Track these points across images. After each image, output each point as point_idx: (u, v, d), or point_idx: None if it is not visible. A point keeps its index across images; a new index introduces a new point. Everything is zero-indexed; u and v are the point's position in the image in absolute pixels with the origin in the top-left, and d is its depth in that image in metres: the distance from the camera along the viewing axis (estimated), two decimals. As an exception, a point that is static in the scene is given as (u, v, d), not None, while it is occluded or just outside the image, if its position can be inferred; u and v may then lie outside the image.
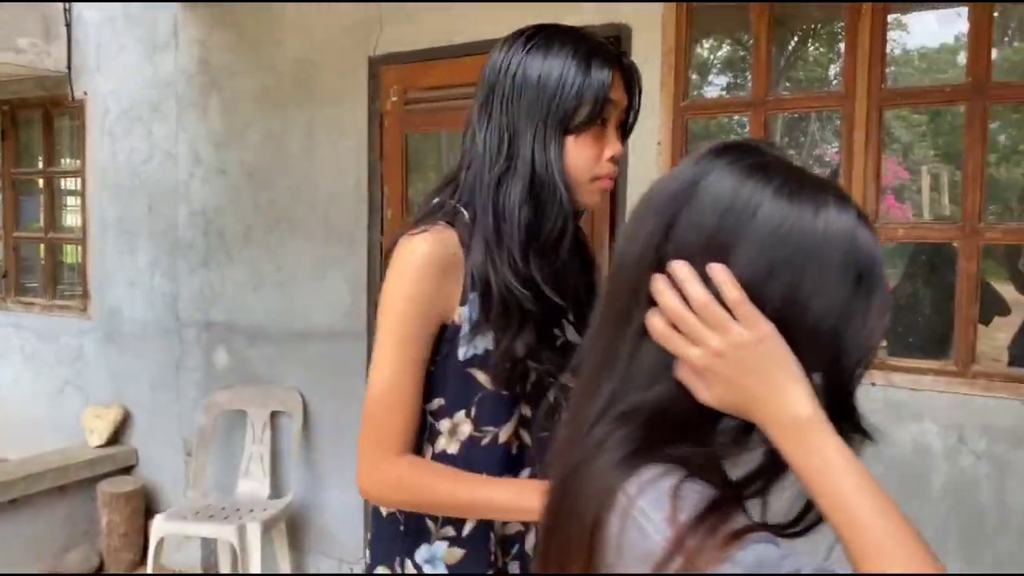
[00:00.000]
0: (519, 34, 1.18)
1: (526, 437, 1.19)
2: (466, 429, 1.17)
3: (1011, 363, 2.79)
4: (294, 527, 3.37)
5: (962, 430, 2.15)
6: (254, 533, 3.03)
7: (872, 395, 2.24)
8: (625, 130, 1.20)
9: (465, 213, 1.14)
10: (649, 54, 2.53)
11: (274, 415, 3.41)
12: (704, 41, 3.66)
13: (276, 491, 3.37)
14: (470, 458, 1.16)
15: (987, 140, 2.17)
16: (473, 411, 1.16)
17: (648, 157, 2.55)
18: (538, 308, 1.12)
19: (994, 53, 2.19)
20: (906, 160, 8.56)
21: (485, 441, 1.17)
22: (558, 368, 1.15)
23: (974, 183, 2.16)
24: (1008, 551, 2.11)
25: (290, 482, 3.34)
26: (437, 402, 1.17)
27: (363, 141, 3.15)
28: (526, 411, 1.18)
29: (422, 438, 1.18)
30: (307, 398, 3.33)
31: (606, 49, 1.14)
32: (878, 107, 2.23)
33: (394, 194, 3.10)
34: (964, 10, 2.28)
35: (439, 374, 1.15)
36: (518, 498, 1.10)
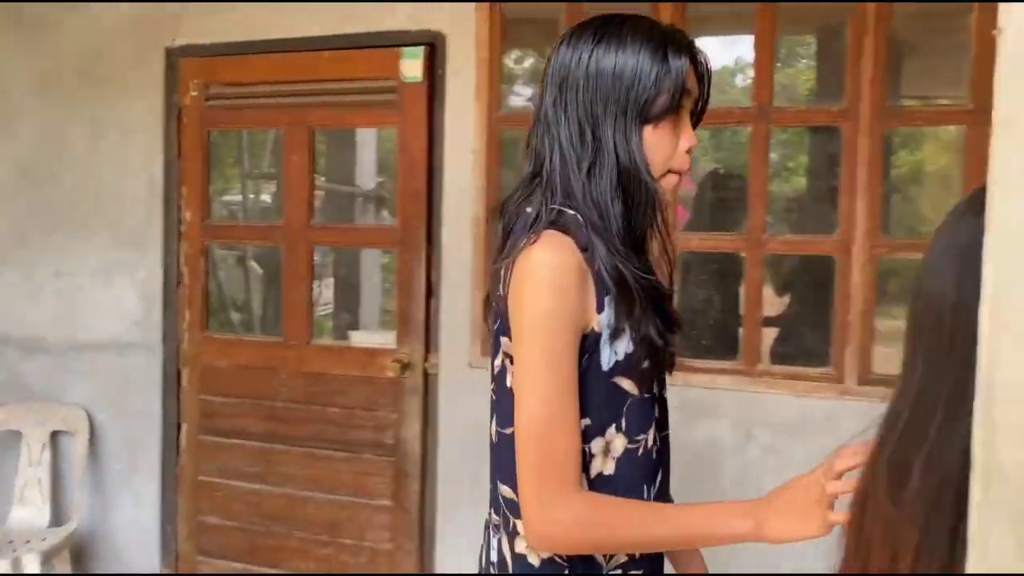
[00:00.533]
0: (585, 26, 1.12)
1: (656, 438, 1.15)
2: (620, 444, 1.10)
3: (774, 362, 3.05)
4: (81, 556, 3.07)
5: (750, 425, 2.35)
6: (31, 565, 2.74)
7: (673, 394, 2.39)
8: (695, 122, 1.16)
9: (571, 213, 1.07)
10: (463, 64, 2.56)
11: (54, 435, 3.09)
12: (511, 53, 3.76)
13: (57, 518, 3.06)
14: (625, 474, 1.10)
15: (768, 159, 2.39)
16: (623, 423, 1.09)
17: (464, 166, 2.57)
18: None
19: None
20: (690, 173, 9.26)
21: (639, 452, 1.11)
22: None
23: (758, 198, 2.36)
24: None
25: (74, 508, 3.04)
26: (583, 422, 1.07)
27: (158, 137, 2.93)
28: (655, 411, 1.15)
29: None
30: (93, 415, 3.06)
31: (680, 37, 1.11)
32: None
33: (194, 194, 2.92)
34: (744, 37, 2.49)
35: (581, 391, 1.05)
36: (717, 524, 1.02)
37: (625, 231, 1.08)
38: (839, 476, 0.97)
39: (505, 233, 1.13)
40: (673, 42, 1.09)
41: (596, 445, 1.08)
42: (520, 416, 1.03)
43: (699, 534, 1.04)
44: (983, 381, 0.52)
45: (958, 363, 0.65)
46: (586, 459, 1.08)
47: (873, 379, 2.25)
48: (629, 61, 1.07)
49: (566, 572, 1.09)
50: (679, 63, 1.08)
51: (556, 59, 1.13)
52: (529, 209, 1.10)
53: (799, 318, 2.98)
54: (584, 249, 1.04)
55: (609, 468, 1.09)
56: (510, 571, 1.13)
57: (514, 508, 1.09)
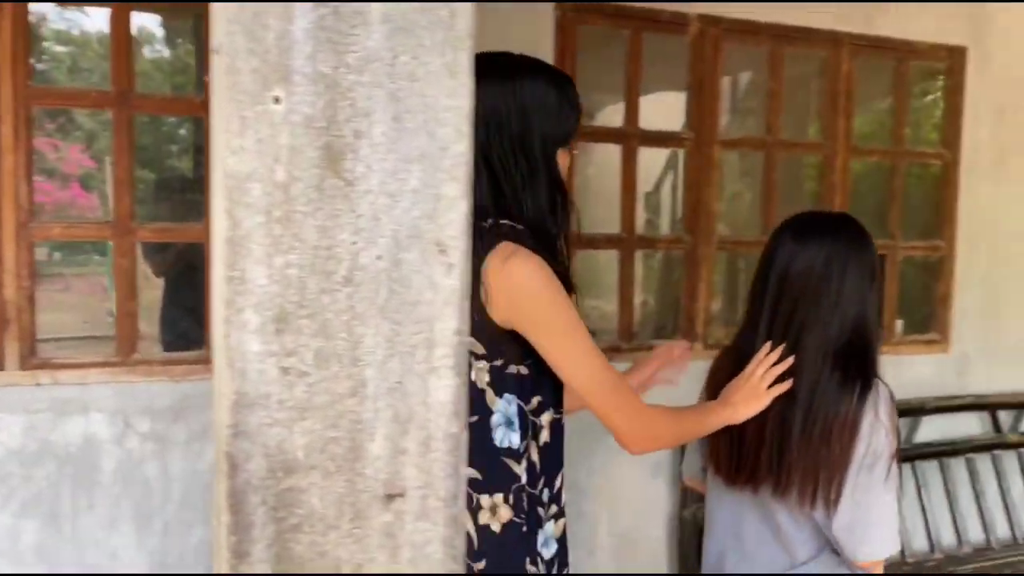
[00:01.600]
0: (490, 64, 1.27)
1: None
2: (550, 416, 1.37)
3: (167, 349, 3.06)
4: None
5: (128, 415, 2.31)
6: None
7: (38, 395, 2.22)
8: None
9: (518, 227, 1.29)
10: None
11: None
12: None
13: None
14: (554, 441, 1.39)
15: (134, 145, 2.35)
16: (554, 399, 1.38)
17: None
18: None
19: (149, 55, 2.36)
20: (91, 149, 8.41)
21: (561, 422, 1.40)
22: None
23: (124, 185, 2.32)
24: (176, 516, 2.37)
25: None
26: (536, 400, 1.33)
27: None
28: None
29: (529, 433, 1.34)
30: None
31: (563, 72, 1.43)
32: (25, 104, 2.19)
33: None
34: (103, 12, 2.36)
35: (535, 375, 1.32)
36: (716, 418, 1.44)
37: (554, 237, 1.34)
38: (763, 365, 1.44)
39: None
40: (564, 76, 1.38)
41: (544, 419, 1.35)
42: (590, 381, 1.28)
43: (708, 425, 1.44)
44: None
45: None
46: (536, 429, 1.34)
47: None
48: (549, 96, 1.32)
49: (524, 529, 1.32)
50: (575, 93, 1.36)
51: (481, 95, 1.15)
52: (502, 222, 1.29)
53: (177, 303, 3.01)
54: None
55: (546, 437, 1.36)
56: (476, 546, 1.30)
57: (476, 485, 1.29)
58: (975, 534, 3.27)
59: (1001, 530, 3.31)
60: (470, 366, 1.27)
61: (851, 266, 1.50)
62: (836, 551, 1.50)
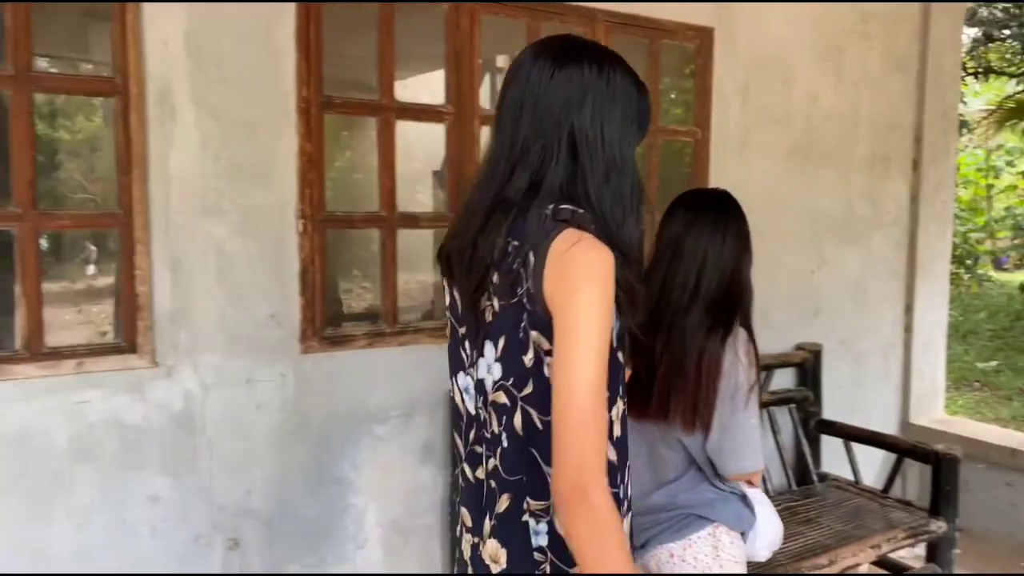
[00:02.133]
0: (567, 47, 1.29)
1: None
2: (621, 408, 1.31)
3: None
4: None
5: None
6: None
7: None
8: None
9: (582, 212, 1.23)
10: None
11: None
12: None
13: None
14: (624, 435, 1.32)
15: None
16: (621, 390, 1.30)
17: None
18: None
19: None
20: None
21: (626, 413, 1.35)
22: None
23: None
24: None
25: None
26: (605, 394, 1.21)
27: None
28: None
29: None
30: None
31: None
32: None
33: None
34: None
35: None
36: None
37: (630, 237, 1.26)
38: None
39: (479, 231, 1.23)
40: (638, 76, 1.32)
41: (613, 412, 1.27)
42: (566, 400, 1.11)
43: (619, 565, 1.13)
44: None
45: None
46: (609, 425, 1.22)
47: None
48: (632, 91, 1.29)
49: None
50: (648, 95, 1.34)
51: (563, 74, 1.25)
52: (564, 207, 1.22)
53: None
54: None
55: (619, 430, 1.29)
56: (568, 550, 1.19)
57: None
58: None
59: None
60: (541, 361, 1.21)
61: (730, 233, 1.89)
62: (701, 470, 1.83)
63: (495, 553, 1.28)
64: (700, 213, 1.92)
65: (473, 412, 1.33)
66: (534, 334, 1.20)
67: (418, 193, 7.73)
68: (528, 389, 1.22)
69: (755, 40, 3.47)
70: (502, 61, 5.34)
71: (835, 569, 2.89)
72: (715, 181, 3.41)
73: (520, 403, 1.23)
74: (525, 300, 1.19)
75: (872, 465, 3.79)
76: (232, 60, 2.39)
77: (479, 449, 1.32)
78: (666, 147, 3.60)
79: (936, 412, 4.19)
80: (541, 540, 1.24)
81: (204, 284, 2.40)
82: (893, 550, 3.03)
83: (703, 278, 1.84)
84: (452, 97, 2.75)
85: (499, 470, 1.26)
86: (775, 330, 3.67)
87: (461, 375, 1.35)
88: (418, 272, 5.88)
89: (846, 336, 3.90)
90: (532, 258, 1.18)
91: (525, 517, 1.25)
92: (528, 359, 1.21)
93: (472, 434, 1.34)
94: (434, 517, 2.87)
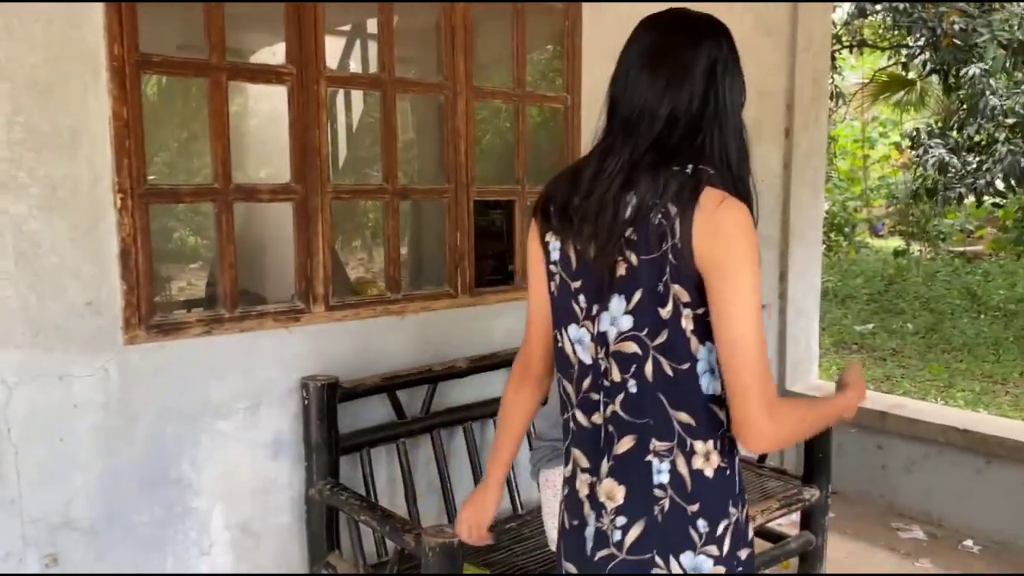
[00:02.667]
0: (692, 17, 1.42)
1: None
2: None
3: None
4: None
5: None
6: None
7: None
8: None
9: (714, 173, 1.34)
10: None
11: None
12: None
13: None
14: None
15: None
16: None
17: None
18: None
19: None
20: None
21: None
22: None
23: None
24: None
25: None
26: None
27: None
28: None
29: None
30: None
31: None
32: None
33: None
34: None
35: None
36: (836, 413, 1.51)
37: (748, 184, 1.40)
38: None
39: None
40: None
41: None
42: (746, 346, 1.26)
43: (830, 421, 1.52)
44: None
45: None
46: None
47: None
48: (737, 58, 1.41)
49: (728, 472, 1.37)
50: None
51: (711, 40, 1.38)
52: (701, 168, 1.33)
53: None
54: None
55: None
56: (688, 487, 1.35)
57: (691, 431, 1.34)
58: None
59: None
60: (679, 314, 1.30)
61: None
62: None
63: (612, 491, 1.40)
64: None
65: (589, 362, 1.42)
66: (675, 287, 1.30)
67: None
68: (662, 339, 1.33)
69: (625, 3, 3.34)
70: (373, 26, 5.07)
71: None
72: (586, 148, 3.27)
73: (652, 352, 1.34)
74: (670, 255, 1.29)
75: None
76: (21, 11, 2.07)
77: (595, 396, 1.42)
78: (537, 114, 3.44)
79: (811, 378, 4.23)
80: (663, 478, 1.36)
81: (1, 269, 2.10)
82: (768, 521, 3.00)
83: None
84: (293, 57, 2.50)
85: (619, 415, 1.39)
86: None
87: (573, 327, 1.44)
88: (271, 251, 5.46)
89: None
90: (678, 216, 1.28)
91: (648, 457, 1.36)
92: (666, 311, 1.31)
93: (587, 382, 1.44)
94: (291, 515, 2.66)
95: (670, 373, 1.34)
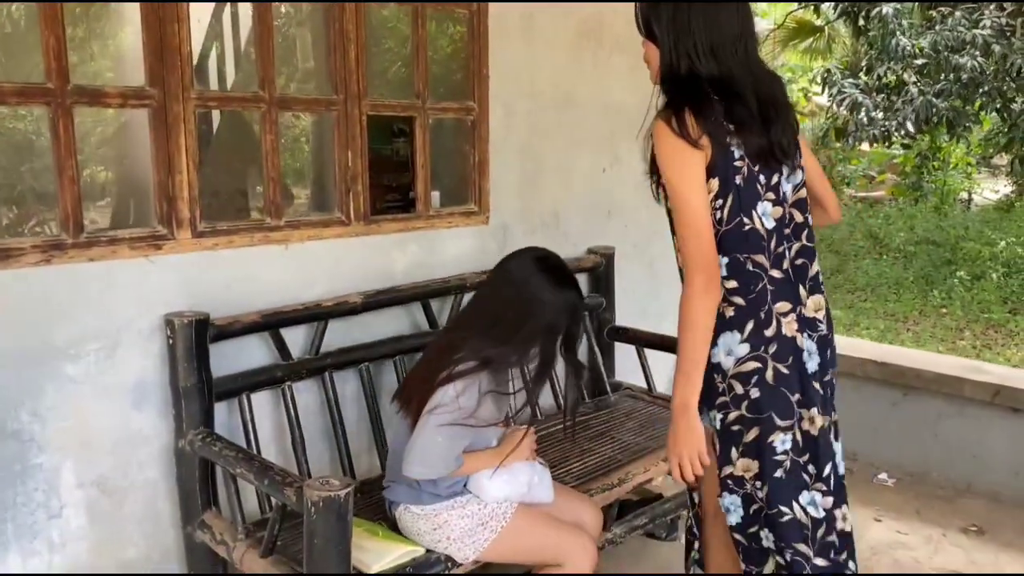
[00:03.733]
0: None
1: None
2: None
3: None
4: None
5: None
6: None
7: None
8: None
9: None
10: None
11: None
12: None
13: None
14: None
15: None
16: None
17: None
18: None
19: None
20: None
21: None
22: None
23: None
24: None
25: None
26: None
27: None
28: None
29: None
30: None
31: None
32: None
33: None
34: None
35: None
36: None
37: None
38: None
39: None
40: None
41: None
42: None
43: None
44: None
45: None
46: None
47: None
48: None
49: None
50: None
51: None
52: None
53: None
54: None
55: None
56: None
57: None
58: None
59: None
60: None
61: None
62: None
63: (818, 303, 1.82)
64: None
65: (773, 225, 1.77)
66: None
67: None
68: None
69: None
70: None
71: (628, 487, 2.66)
72: (495, 67, 2.97)
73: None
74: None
75: (668, 372, 3.62)
76: None
77: (782, 248, 1.78)
78: (437, 24, 3.11)
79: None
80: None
81: None
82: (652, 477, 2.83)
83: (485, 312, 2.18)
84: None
85: (804, 245, 1.82)
86: (567, 235, 3.36)
87: (760, 204, 1.76)
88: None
89: (639, 239, 3.66)
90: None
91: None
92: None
93: (774, 242, 1.77)
94: (159, 470, 2.34)
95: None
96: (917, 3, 7.30)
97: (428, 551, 2.16)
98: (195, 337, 2.23)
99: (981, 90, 7.37)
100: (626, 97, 3.49)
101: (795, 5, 12.95)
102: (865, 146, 14.82)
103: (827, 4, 9.80)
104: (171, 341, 2.23)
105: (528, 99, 3.13)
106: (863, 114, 7.80)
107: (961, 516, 3.21)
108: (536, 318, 2.07)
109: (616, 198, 3.55)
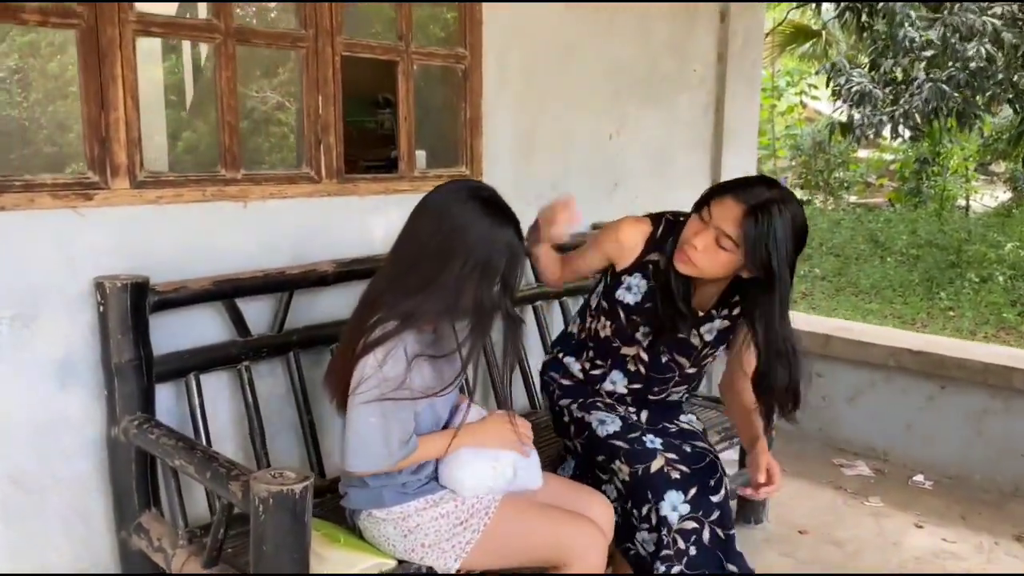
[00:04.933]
0: None
1: None
2: None
3: None
4: None
5: None
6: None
7: None
8: None
9: None
10: None
11: None
12: None
13: None
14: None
15: None
16: None
17: None
18: None
19: None
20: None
21: None
22: None
23: None
24: None
25: None
26: None
27: None
28: None
29: None
30: None
31: None
32: None
33: None
34: None
35: None
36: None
37: None
38: None
39: None
40: None
41: None
42: None
43: None
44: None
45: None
46: None
47: None
48: None
49: None
50: None
51: None
52: None
53: None
54: None
55: None
56: None
57: None
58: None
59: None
60: None
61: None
62: None
63: None
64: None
65: None
66: None
67: None
68: None
69: None
70: None
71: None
72: (490, 23, 2.62)
73: None
74: None
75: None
76: None
77: None
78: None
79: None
80: None
81: None
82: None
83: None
84: None
85: None
86: (567, 207, 3.00)
87: None
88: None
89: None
90: None
91: None
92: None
93: None
94: (88, 462, 1.96)
95: None
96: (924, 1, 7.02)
97: (401, 562, 1.79)
98: (131, 304, 1.87)
99: (992, 80, 7.07)
100: (632, 56, 3.15)
101: (792, 6, 12.71)
102: (863, 153, 14.66)
103: (828, 3, 9.53)
104: (102, 308, 1.87)
105: (525, 50, 2.78)
106: (869, 107, 7.49)
107: (1012, 522, 2.86)
108: (464, 254, 1.62)
109: (624, 167, 3.21)
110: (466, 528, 1.75)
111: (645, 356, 2.05)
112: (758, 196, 1.74)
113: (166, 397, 2.04)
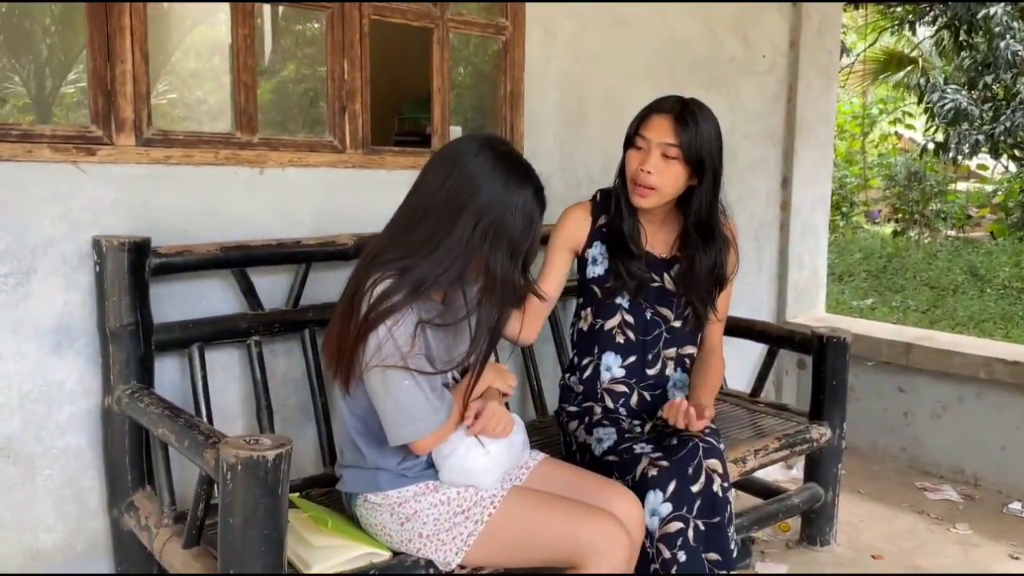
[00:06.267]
0: None
1: None
2: None
3: None
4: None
5: None
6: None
7: None
8: None
9: None
10: None
11: None
12: None
13: None
14: None
15: None
16: None
17: None
18: None
19: None
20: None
21: None
22: None
23: None
24: None
25: None
26: None
27: None
28: None
29: None
30: None
31: None
32: None
33: None
34: None
35: None
36: None
37: None
38: None
39: None
40: None
41: None
42: None
43: None
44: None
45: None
46: None
47: None
48: None
49: None
50: None
51: None
52: None
53: None
54: None
55: None
56: None
57: None
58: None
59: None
60: None
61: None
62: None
63: None
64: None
65: None
66: None
67: None
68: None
69: None
70: None
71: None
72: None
73: None
74: None
75: (742, 366, 2.99)
76: None
77: None
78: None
79: (817, 309, 3.44)
80: None
81: None
82: (763, 465, 2.21)
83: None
84: None
85: None
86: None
87: None
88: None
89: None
90: None
91: None
92: None
93: None
94: (84, 435, 1.85)
95: None
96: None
97: (398, 554, 1.59)
98: (130, 265, 1.76)
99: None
100: (692, 32, 2.94)
101: (885, 29, 12.22)
102: (962, 185, 13.90)
103: (923, 25, 9.09)
104: (98, 268, 1.76)
105: (572, 22, 2.61)
106: (964, 124, 7.02)
107: None
108: (475, 215, 1.47)
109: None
110: (468, 518, 1.55)
111: (630, 318, 2.05)
112: (677, 105, 1.91)
113: (171, 371, 1.92)
